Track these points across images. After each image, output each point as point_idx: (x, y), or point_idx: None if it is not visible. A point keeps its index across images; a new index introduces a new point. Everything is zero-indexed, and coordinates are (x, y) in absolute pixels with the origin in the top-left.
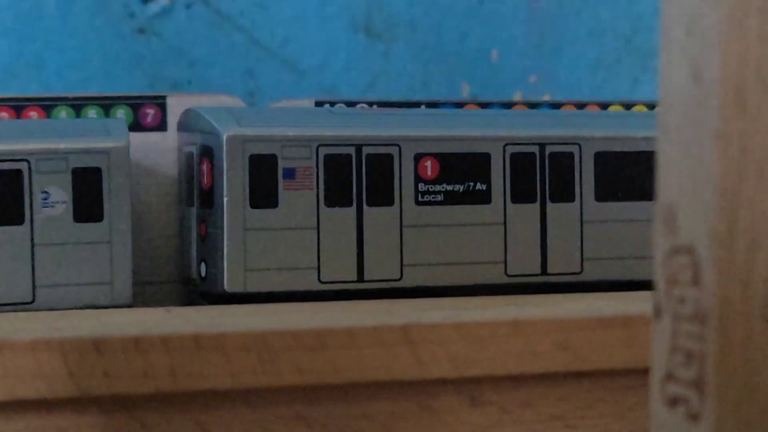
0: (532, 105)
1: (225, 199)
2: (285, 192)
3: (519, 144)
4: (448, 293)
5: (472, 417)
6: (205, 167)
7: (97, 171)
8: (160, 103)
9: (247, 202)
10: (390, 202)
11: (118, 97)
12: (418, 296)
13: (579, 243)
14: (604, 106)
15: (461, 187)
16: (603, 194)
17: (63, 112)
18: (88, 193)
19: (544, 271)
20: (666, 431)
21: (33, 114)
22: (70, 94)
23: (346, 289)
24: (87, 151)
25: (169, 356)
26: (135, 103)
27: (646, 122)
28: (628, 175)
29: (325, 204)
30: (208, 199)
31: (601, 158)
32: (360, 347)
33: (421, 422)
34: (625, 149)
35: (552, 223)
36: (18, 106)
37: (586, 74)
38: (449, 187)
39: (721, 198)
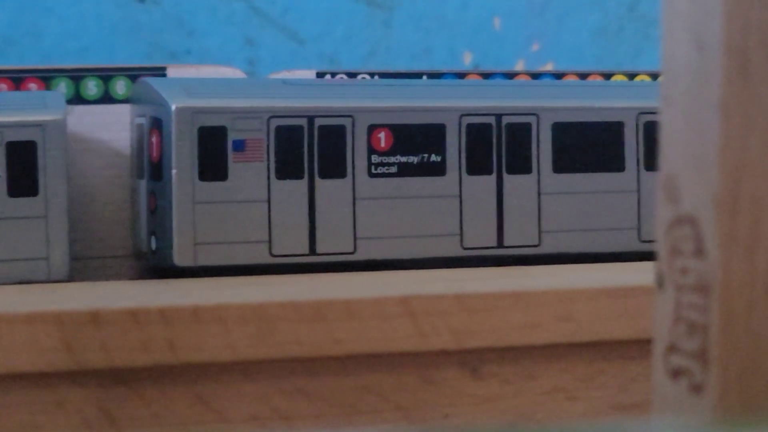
0: (535, 75)
1: (173, 172)
2: (235, 164)
3: (475, 115)
4: (403, 266)
5: (474, 389)
6: (154, 139)
7: (31, 145)
8: (160, 74)
9: (197, 175)
10: (342, 175)
11: (118, 69)
12: (372, 269)
13: (537, 215)
14: (607, 76)
15: (415, 159)
16: (561, 166)
17: (62, 84)
18: (22, 168)
19: (500, 243)
20: (669, 403)
21: (32, 86)
22: (69, 66)
23: (298, 262)
24: (21, 125)
25: (168, 328)
26: (135, 74)
27: (604, 92)
28: (587, 146)
29: (277, 176)
30: (158, 171)
31: (559, 129)
32: (360, 319)
33: (422, 394)
34: (584, 120)
35: (509, 196)
36: (17, 78)
37: (589, 42)
38: (403, 159)
39: (724, 167)
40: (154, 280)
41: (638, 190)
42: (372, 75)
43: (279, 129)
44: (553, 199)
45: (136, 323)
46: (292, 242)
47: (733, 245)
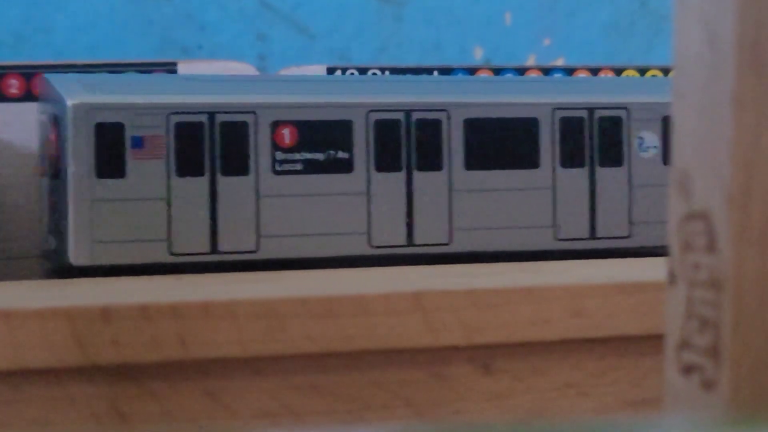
0: (546, 70)
1: (70, 169)
2: (133, 162)
3: (383, 111)
4: (308, 265)
5: (485, 385)
6: (53, 137)
7: None
8: (170, 69)
9: (94, 173)
10: (245, 172)
11: (129, 64)
12: (276, 269)
13: (448, 213)
14: (619, 71)
15: (322, 156)
16: (473, 163)
17: None
18: None
19: (410, 242)
20: (680, 399)
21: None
22: (80, 61)
23: (199, 261)
24: None
25: (178, 324)
26: (146, 70)
27: (519, 88)
28: (501, 142)
29: (177, 174)
30: (56, 169)
31: (471, 125)
32: (371, 314)
33: (433, 390)
34: (497, 116)
35: (419, 193)
36: (28, 74)
37: (601, 37)
38: (309, 156)
39: (737, 163)
40: (56, 280)
41: (554, 188)
42: (383, 70)
43: (179, 125)
44: (464, 197)
45: (147, 319)
46: (193, 241)
47: (746, 241)
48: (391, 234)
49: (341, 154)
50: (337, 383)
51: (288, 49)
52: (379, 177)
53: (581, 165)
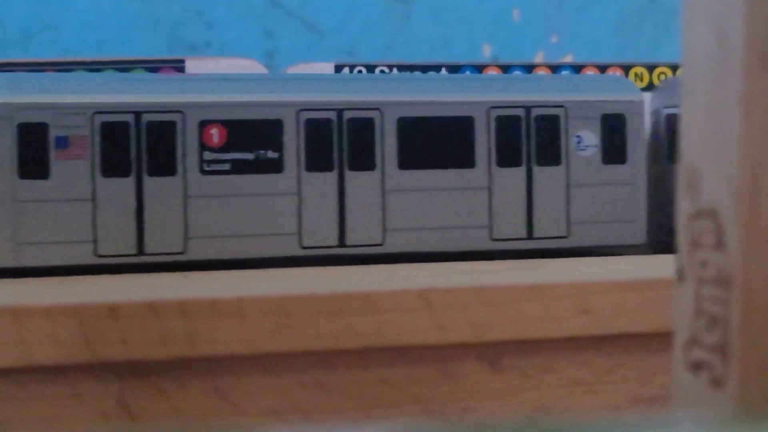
0: (554, 67)
1: None
2: (57, 162)
3: (315, 110)
4: (237, 266)
5: (493, 382)
6: None
7: None
8: (179, 66)
9: (17, 173)
10: (172, 172)
11: (137, 61)
12: (203, 269)
13: (381, 214)
14: (627, 67)
15: (251, 156)
16: (407, 162)
17: None
18: None
19: (342, 242)
20: (689, 396)
21: None
22: (88, 59)
23: (124, 263)
24: None
25: (186, 321)
26: (153, 67)
27: (454, 86)
28: (435, 141)
29: (102, 174)
30: None
31: (404, 124)
32: (379, 312)
33: (441, 387)
34: (432, 114)
35: (351, 193)
36: (35, 70)
37: (609, 34)
38: (238, 156)
39: (745, 160)
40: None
41: (490, 188)
42: (390, 68)
43: (104, 125)
44: (398, 197)
45: (155, 316)
46: (119, 242)
47: (754, 238)
48: (322, 235)
49: (271, 154)
50: (345, 381)
51: (296, 46)
52: (310, 177)
53: (518, 164)
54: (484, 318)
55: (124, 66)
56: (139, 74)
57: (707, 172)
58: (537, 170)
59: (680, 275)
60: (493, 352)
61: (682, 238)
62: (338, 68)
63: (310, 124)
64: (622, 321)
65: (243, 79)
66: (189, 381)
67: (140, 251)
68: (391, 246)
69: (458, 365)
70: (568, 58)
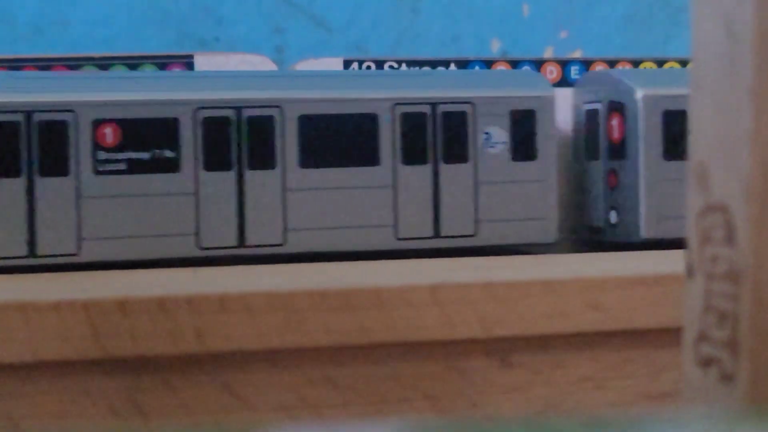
0: (564, 62)
1: None
2: None
3: (212, 108)
4: (133, 267)
5: (502, 378)
6: None
7: None
8: (187, 62)
9: None
10: (65, 172)
11: (145, 56)
12: (98, 270)
13: (281, 213)
14: (636, 63)
15: (147, 156)
16: (309, 160)
17: None
18: None
19: (241, 243)
20: (698, 392)
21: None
22: (97, 54)
23: (15, 265)
24: None
25: (195, 317)
26: (162, 62)
27: (356, 82)
28: (338, 139)
29: None
30: None
31: (306, 122)
32: (388, 308)
33: (451, 383)
34: (334, 112)
35: (251, 192)
36: (45, 66)
37: (618, 29)
38: (133, 156)
39: (755, 154)
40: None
41: (395, 186)
42: (399, 63)
43: None
44: (299, 196)
45: (164, 312)
46: (9, 244)
47: (764, 233)
48: (221, 235)
49: (167, 153)
50: (355, 376)
51: (305, 41)
52: (208, 176)
53: (424, 162)
54: (494, 314)
55: (132, 62)
56: (32, 72)
57: (717, 166)
58: (444, 168)
59: (690, 271)
60: (502, 348)
61: (692, 234)
62: (347, 64)
63: (208, 122)
64: (631, 316)
65: (139, 78)
66: (198, 377)
67: (31, 253)
68: (293, 246)
69: (467, 361)
70: (578, 54)
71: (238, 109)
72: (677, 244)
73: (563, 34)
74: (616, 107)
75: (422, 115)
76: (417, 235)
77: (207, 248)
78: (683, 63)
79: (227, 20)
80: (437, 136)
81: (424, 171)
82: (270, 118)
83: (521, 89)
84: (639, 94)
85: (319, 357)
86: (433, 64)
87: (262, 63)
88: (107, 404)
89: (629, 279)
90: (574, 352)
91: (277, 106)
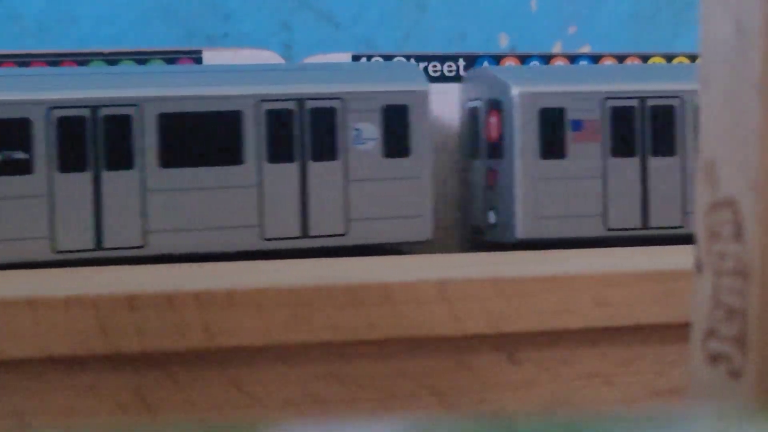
0: (572, 57)
1: None
2: None
3: (66, 107)
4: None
5: (510, 374)
6: None
7: None
8: (196, 57)
9: None
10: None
11: (154, 52)
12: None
13: (140, 214)
14: (645, 58)
15: None
16: (169, 160)
17: None
18: None
19: (100, 245)
20: (707, 388)
21: None
22: (105, 49)
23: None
24: None
25: (203, 312)
26: (170, 58)
27: (219, 78)
28: (200, 138)
29: None
30: None
31: (166, 120)
32: (396, 303)
33: (458, 379)
34: (196, 109)
35: (108, 193)
36: (53, 62)
37: (626, 25)
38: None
39: (764, 150)
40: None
41: (260, 185)
42: (408, 58)
43: None
44: (159, 197)
45: (171, 307)
46: (77, 237)
47: None
48: (77, 238)
49: (19, 155)
50: (362, 372)
51: (313, 37)
52: (62, 178)
53: (291, 160)
54: (501, 309)
55: (140, 57)
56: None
57: (725, 162)
58: (312, 166)
59: (698, 266)
60: (510, 344)
61: (700, 229)
62: (355, 58)
63: (62, 122)
64: (639, 312)
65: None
66: (205, 372)
67: None
68: (154, 248)
69: (475, 357)
70: (586, 49)
71: (93, 108)
72: (554, 244)
73: (571, 30)
74: (494, 105)
75: (289, 112)
76: (284, 235)
77: (63, 251)
78: (692, 58)
79: (235, 16)
80: (305, 134)
81: (290, 169)
82: (126, 118)
83: (393, 84)
84: (515, 91)
85: (326, 353)
86: (441, 59)
87: (270, 58)
88: (115, 400)
89: (637, 275)
90: (581, 348)
91: (134, 105)
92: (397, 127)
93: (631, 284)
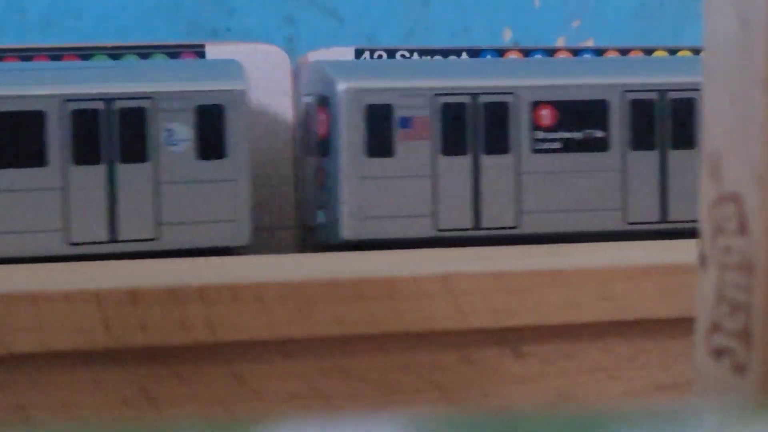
0: (576, 51)
1: None
2: None
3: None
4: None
5: (514, 368)
6: None
7: None
8: (199, 51)
9: None
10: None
11: (156, 46)
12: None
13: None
14: (649, 52)
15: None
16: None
17: None
18: None
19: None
20: (711, 383)
21: None
22: (108, 44)
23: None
24: None
25: (206, 307)
26: (173, 52)
27: (22, 77)
28: (2, 139)
29: None
30: None
31: (79, 116)
32: (399, 297)
33: (462, 374)
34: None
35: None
36: (56, 56)
37: (630, 19)
38: None
39: None
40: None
41: (64, 189)
42: (411, 52)
43: None
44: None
45: (175, 302)
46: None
47: None
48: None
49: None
50: (366, 366)
51: (316, 32)
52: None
53: (96, 162)
54: (505, 304)
55: (143, 51)
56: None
57: (730, 156)
58: (120, 167)
59: (702, 261)
60: (514, 338)
61: (704, 224)
62: (358, 53)
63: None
64: (643, 307)
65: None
66: (209, 367)
67: None
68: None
69: (479, 351)
70: (590, 43)
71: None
72: (382, 245)
73: (575, 24)
74: (323, 101)
75: (95, 112)
76: (91, 239)
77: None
78: (696, 52)
79: (239, 10)
80: (112, 134)
81: (97, 172)
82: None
83: (208, 83)
84: (341, 86)
85: (330, 347)
86: (445, 53)
87: (274, 53)
88: (118, 394)
89: (641, 269)
90: (585, 343)
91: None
92: (211, 128)
93: (636, 278)
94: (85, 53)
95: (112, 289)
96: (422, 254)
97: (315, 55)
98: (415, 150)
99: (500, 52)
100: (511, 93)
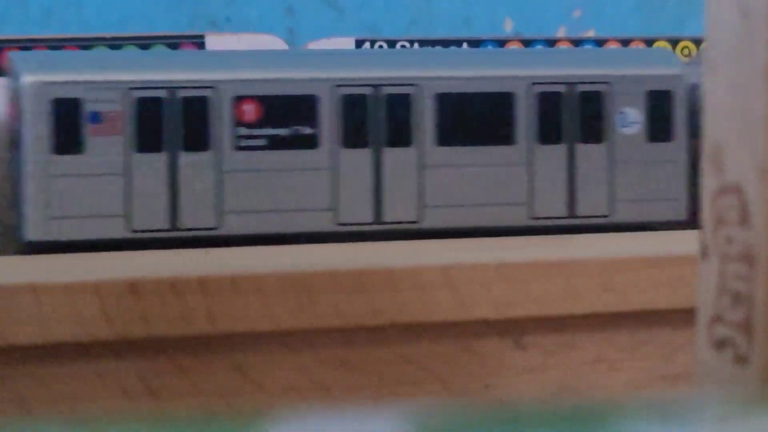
0: (577, 41)
1: None
2: None
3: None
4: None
5: (515, 359)
6: None
7: None
8: (199, 42)
9: None
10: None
11: (157, 37)
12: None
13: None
14: (650, 42)
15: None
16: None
17: None
18: None
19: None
20: (713, 374)
21: None
22: (108, 34)
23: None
24: None
25: (207, 299)
26: (173, 42)
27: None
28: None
29: None
30: None
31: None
32: (400, 289)
33: (464, 365)
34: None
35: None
36: (56, 47)
37: (632, 9)
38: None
39: None
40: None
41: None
42: (412, 43)
43: None
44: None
45: (175, 293)
46: (153, 218)
47: None
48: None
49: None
50: (367, 358)
51: (317, 22)
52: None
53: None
54: (507, 295)
55: (144, 42)
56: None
57: (731, 147)
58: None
59: (704, 252)
60: (515, 329)
61: (706, 215)
62: (359, 44)
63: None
64: (645, 298)
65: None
66: (209, 358)
67: None
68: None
69: (480, 342)
70: (591, 33)
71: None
72: (72, 246)
73: (576, 14)
74: (12, 95)
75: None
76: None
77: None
78: (697, 43)
79: (239, 1)
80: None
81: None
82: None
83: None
84: (25, 79)
85: (330, 338)
86: (446, 43)
87: (274, 44)
88: (119, 386)
89: (643, 260)
90: (587, 334)
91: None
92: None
93: (638, 269)
94: (84, 44)
95: (112, 281)
96: (423, 245)
97: (315, 46)
98: (107, 146)
99: (501, 43)
100: (211, 87)
